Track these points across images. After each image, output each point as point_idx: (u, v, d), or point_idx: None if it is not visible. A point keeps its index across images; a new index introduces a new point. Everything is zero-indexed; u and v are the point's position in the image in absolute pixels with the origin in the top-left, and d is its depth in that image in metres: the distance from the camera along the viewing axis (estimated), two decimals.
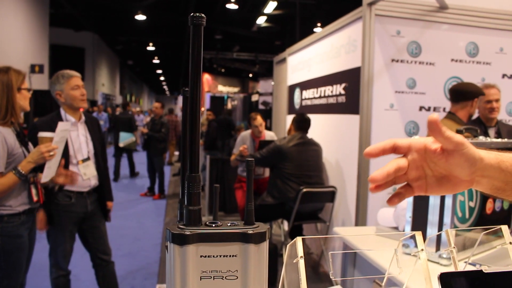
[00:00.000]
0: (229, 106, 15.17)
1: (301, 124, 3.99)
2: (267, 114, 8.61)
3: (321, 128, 4.34)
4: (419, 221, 1.56)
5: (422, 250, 0.71)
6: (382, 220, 2.02)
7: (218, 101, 16.34)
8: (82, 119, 2.70)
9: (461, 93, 2.84)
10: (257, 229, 0.63)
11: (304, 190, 3.65)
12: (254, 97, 13.39)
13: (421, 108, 3.54)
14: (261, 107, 11.96)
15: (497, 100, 3.02)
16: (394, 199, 0.68)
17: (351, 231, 2.31)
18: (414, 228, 1.57)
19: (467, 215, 1.54)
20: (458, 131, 1.96)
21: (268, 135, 4.99)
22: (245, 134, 4.93)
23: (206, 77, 18.00)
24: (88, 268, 2.94)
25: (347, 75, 3.78)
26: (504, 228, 0.73)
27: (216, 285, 0.62)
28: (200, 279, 0.61)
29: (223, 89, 19.20)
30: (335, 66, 4.08)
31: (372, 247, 1.75)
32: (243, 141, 4.83)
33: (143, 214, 6.62)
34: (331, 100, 4.15)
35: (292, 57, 5.60)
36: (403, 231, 1.75)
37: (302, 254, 0.66)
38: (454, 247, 0.74)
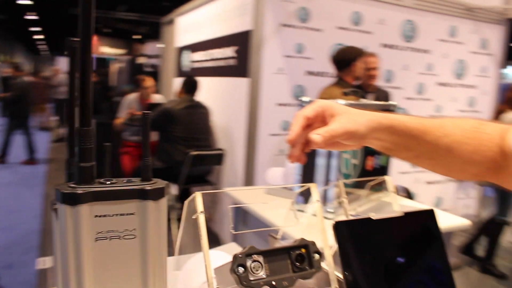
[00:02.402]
0: (113, 68, 14.38)
1: (189, 87, 3.93)
2: (154, 77, 8.34)
3: (210, 91, 4.32)
4: (307, 179, 1.64)
5: (318, 201, 0.74)
6: (271, 180, 2.08)
7: (102, 63, 15.37)
8: None
9: (340, 61, 3.00)
10: (155, 185, 0.60)
11: (193, 153, 3.63)
12: (140, 60, 12.84)
13: (308, 72, 3.68)
14: (147, 69, 11.52)
15: (375, 68, 3.25)
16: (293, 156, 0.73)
17: (241, 191, 2.35)
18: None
19: (351, 172, 1.65)
20: (345, 94, 2.08)
21: (156, 98, 4.84)
22: (132, 97, 4.72)
23: None
24: None
25: (237, 38, 3.78)
26: (388, 178, 0.78)
27: (113, 245, 0.58)
28: (95, 240, 0.57)
29: (109, 51, 18.07)
30: (226, 29, 4.05)
31: (263, 205, 1.81)
32: (129, 105, 4.62)
33: (19, 184, 6.10)
34: (221, 63, 4.13)
35: (181, 18, 5.43)
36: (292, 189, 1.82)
37: (202, 209, 0.65)
38: (346, 197, 0.78)
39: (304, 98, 1.70)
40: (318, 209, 0.73)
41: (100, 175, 0.60)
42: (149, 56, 12.13)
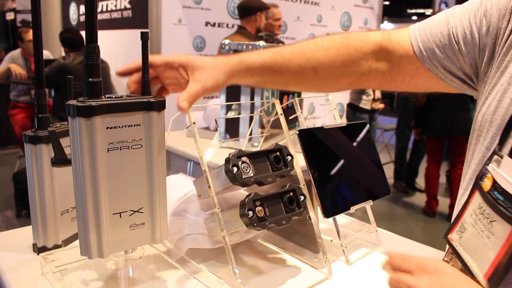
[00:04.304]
0: None
1: (71, 43, 3.66)
2: None
3: (106, 45, 4.13)
4: (232, 121, 1.75)
5: (281, 114, 0.85)
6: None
7: None
8: None
9: (246, 8, 3.09)
10: (157, 99, 0.66)
11: None
12: (9, 16, 11.55)
13: (207, 23, 3.70)
14: (19, 26, 10.45)
15: (280, 19, 3.40)
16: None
17: None
18: (227, 126, 1.77)
19: (270, 109, 1.79)
20: (259, 37, 2.18)
21: (44, 54, 4.48)
22: (15, 53, 4.33)
23: None
24: None
25: None
26: (276, 101, 0.89)
27: (123, 155, 0.64)
28: (108, 151, 0.62)
29: None
30: None
31: (187, 146, 1.87)
32: (13, 61, 4.25)
33: None
34: (115, 15, 3.96)
35: None
36: (215, 130, 1.92)
37: (194, 120, 0.72)
38: (301, 112, 0.90)
39: (226, 41, 1.77)
40: (283, 121, 0.84)
41: None
42: (20, 12, 10.99)
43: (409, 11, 14.90)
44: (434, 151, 3.80)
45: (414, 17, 14.64)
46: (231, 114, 1.81)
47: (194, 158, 1.80)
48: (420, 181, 4.43)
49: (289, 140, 0.83)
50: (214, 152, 1.72)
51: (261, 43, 1.69)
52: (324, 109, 4.40)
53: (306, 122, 0.93)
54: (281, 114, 0.84)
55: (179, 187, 0.95)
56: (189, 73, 0.74)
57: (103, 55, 2.84)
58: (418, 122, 3.86)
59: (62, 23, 5.19)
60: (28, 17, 10.21)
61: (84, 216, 0.62)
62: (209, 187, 0.72)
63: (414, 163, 4.54)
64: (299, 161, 0.81)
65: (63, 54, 3.81)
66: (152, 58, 0.72)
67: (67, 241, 0.89)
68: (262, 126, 1.74)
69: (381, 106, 4.41)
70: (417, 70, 0.74)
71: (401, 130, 4.61)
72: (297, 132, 0.83)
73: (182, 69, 0.74)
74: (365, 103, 4.31)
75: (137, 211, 0.67)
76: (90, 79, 0.61)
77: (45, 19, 5.92)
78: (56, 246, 0.86)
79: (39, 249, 0.85)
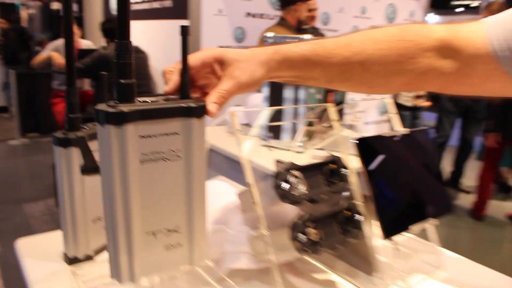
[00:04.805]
0: (24, 15, 13.15)
1: (110, 33, 3.67)
2: (77, 23, 7.78)
3: (146, 34, 4.11)
4: (275, 113, 1.65)
5: (337, 120, 0.75)
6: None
7: (8, 9, 13.96)
8: None
9: None
10: (198, 102, 0.57)
11: None
12: (54, 5, 11.83)
13: (247, 14, 3.61)
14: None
15: (316, 9, 3.27)
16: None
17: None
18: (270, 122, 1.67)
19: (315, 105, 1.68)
20: (302, 30, 2.08)
21: (85, 44, 4.52)
22: (58, 42, 4.37)
23: None
24: None
25: None
26: (331, 105, 0.78)
27: (158, 167, 0.56)
28: (141, 163, 0.54)
29: None
30: None
31: (226, 142, 1.79)
32: (56, 50, 4.29)
33: None
34: (156, 5, 3.93)
35: None
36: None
37: (239, 127, 0.63)
38: (357, 116, 0.80)
39: (269, 34, 1.67)
40: (337, 128, 0.74)
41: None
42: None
43: (455, 2, 14.30)
44: (498, 154, 3.56)
45: (460, 9, 14.03)
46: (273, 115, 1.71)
47: (233, 156, 1.71)
48: (466, 182, 4.21)
49: (345, 149, 0.73)
50: (253, 149, 1.64)
51: (306, 36, 1.58)
52: (367, 104, 4.24)
53: (347, 120, 0.82)
54: (337, 120, 0.74)
55: (219, 195, 0.86)
56: (222, 68, 0.63)
57: (144, 45, 2.80)
58: (498, 125, 3.38)
59: (103, 13, 5.22)
60: (75, 7, 10.42)
61: (114, 236, 0.55)
62: (255, 203, 0.63)
63: (460, 163, 4.29)
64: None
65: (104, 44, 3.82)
66: (191, 61, 0.62)
67: (99, 251, 0.83)
68: (308, 124, 1.64)
69: (426, 104, 4.17)
70: (492, 73, 0.62)
71: (442, 125, 4.25)
72: (356, 141, 0.73)
73: (216, 64, 0.64)
74: (406, 100, 4.09)
75: (173, 230, 0.59)
76: (122, 81, 0.53)
77: (87, 9, 5.99)
78: (88, 257, 0.80)
79: (70, 260, 0.79)
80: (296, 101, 1.61)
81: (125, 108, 0.51)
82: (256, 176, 0.78)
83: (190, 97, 0.59)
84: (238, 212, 0.77)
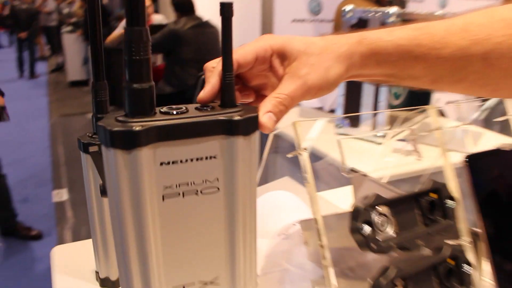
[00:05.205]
0: None
1: (180, 7, 3.56)
2: None
3: (216, 7, 3.98)
4: (352, 103, 1.44)
5: (439, 128, 0.55)
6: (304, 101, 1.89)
7: None
8: None
9: None
10: (245, 113, 0.40)
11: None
12: None
13: None
14: None
15: None
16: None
17: None
18: (347, 109, 1.45)
19: (400, 91, 1.45)
20: (386, 2, 1.82)
21: (157, 19, 4.50)
22: None
23: None
24: None
25: None
26: (432, 107, 0.58)
27: (187, 204, 0.40)
28: (163, 199, 0.39)
29: None
30: None
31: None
32: None
33: (21, 115, 5.90)
34: None
35: None
36: (330, 111, 1.63)
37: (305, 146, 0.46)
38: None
39: (347, 8, 1.44)
40: (440, 138, 0.54)
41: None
42: None
43: None
44: None
45: None
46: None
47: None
48: None
49: (451, 171, 0.53)
50: (324, 137, 1.45)
51: (393, 9, 1.34)
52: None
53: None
54: (440, 128, 0.54)
55: (279, 212, 0.70)
56: (284, 64, 0.46)
57: (215, 19, 2.63)
58: None
59: None
60: None
61: None
62: (322, 246, 0.46)
63: None
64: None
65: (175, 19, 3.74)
66: (239, 55, 0.45)
67: None
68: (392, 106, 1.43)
69: None
70: None
71: None
72: (466, 159, 0.53)
73: (277, 59, 0.46)
74: None
75: (210, 283, 0.44)
76: (134, 85, 0.37)
77: None
78: None
79: (102, 281, 0.68)
80: (376, 92, 1.39)
81: (137, 125, 0.36)
82: (331, 179, 0.61)
83: (236, 104, 0.42)
84: (301, 244, 0.60)
